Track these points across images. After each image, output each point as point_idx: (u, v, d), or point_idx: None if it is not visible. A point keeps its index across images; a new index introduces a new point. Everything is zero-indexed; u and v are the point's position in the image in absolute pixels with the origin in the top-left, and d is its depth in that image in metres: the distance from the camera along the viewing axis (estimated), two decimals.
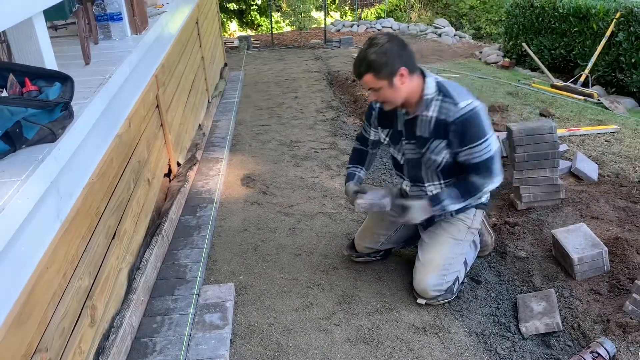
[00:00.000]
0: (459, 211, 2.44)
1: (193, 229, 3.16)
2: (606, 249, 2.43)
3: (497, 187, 2.34)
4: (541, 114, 4.97)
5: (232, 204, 3.60)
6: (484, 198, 2.51)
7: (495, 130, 4.28)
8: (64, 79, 1.81)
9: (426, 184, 2.43)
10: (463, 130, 2.15)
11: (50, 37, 3.18)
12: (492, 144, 2.18)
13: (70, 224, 1.81)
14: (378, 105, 2.43)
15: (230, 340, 2.28)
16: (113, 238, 2.27)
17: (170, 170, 3.61)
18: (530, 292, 2.48)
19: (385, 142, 2.53)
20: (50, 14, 2.41)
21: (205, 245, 2.96)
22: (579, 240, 2.51)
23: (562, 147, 3.78)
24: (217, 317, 2.37)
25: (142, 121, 2.89)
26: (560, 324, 2.21)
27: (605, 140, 4.21)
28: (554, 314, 2.25)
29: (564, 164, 3.50)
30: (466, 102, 2.15)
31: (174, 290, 2.57)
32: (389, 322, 2.37)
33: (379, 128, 2.51)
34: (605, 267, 2.45)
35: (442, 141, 2.24)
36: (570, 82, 6.39)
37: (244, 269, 2.81)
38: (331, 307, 2.49)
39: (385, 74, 2.11)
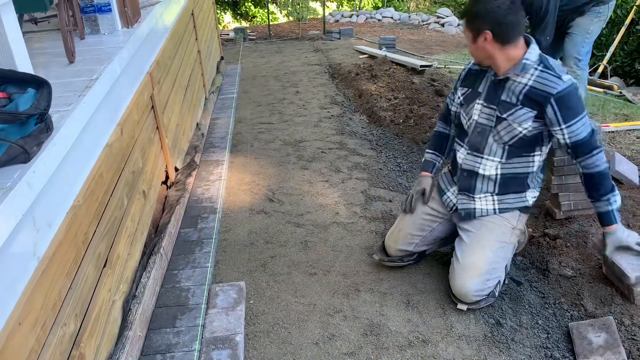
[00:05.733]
0: (503, 210, 2.29)
1: (194, 245, 2.84)
2: None
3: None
4: None
5: (236, 213, 3.27)
6: (530, 200, 2.32)
7: None
8: (39, 84, 1.48)
9: (484, 156, 2.27)
10: (569, 105, 2.04)
11: (31, 32, 2.86)
12: (588, 119, 2.10)
13: (51, 260, 1.49)
14: (470, 64, 2.38)
15: None
16: (104, 266, 1.94)
17: (167, 177, 3.28)
18: (583, 318, 2.18)
19: (458, 103, 2.40)
20: (25, 5, 2.07)
21: (208, 265, 2.64)
22: (636, 257, 2.20)
23: None
24: (227, 355, 2.05)
25: (135, 126, 2.56)
26: None
27: (637, 137, 3.90)
28: (617, 348, 1.95)
29: None
30: (567, 76, 2.05)
31: (176, 321, 2.25)
32: (425, 358, 2.06)
33: (459, 88, 2.40)
34: None
35: (532, 112, 2.11)
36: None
37: (254, 292, 2.49)
38: (356, 339, 2.18)
39: (474, 27, 2.09)
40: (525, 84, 2.09)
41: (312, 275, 2.61)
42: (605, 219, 2.16)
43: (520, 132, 2.15)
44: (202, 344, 2.10)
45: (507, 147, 2.21)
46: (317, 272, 2.64)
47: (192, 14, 4.94)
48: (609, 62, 6.05)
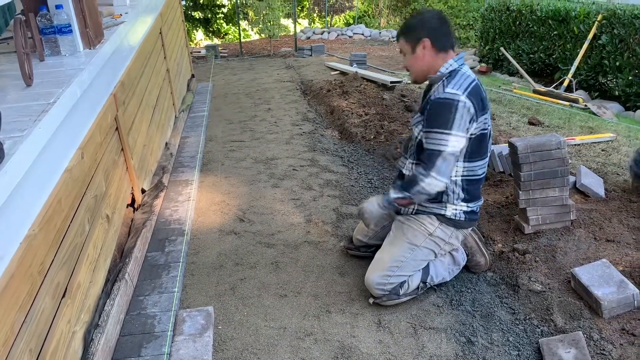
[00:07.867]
0: (420, 212, 2.41)
1: (162, 269, 2.77)
2: (637, 291, 2.17)
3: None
4: (530, 123, 4.73)
5: (206, 234, 3.21)
6: (450, 212, 2.35)
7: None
8: None
9: (407, 158, 2.44)
10: (432, 112, 2.17)
11: None
12: (450, 142, 2.14)
13: (2, 294, 1.42)
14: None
15: None
16: (63, 296, 1.87)
17: (133, 200, 3.21)
18: (553, 333, 2.18)
19: None
20: None
21: (176, 289, 2.58)
22: (605, 279, 2.23)
23: None
24: None
25: (98, 149, 2.49)
26: None
27: (602, 150, 3.98)
28: None
29: None
30: (453, 90, 2.13)
31: (141, 350, 2.18)
32: None
33: None
34: (635, 302, 2.17)
35: (421, 116, 2.27)
36: (553, 87, 6.20)
37: (222, 317, 2.44)
38: None
39: (412, 38, 2.24)
40: (432, 93, 2.23)
41: (282, 297, 2.57)
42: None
43: (417, 137, 2.29)
44: None
45: (415, 149, 2.35)
46: (287, 293, 2.60)
47: (160, 33, 4.90)
48: (574, 76, 6.19)
